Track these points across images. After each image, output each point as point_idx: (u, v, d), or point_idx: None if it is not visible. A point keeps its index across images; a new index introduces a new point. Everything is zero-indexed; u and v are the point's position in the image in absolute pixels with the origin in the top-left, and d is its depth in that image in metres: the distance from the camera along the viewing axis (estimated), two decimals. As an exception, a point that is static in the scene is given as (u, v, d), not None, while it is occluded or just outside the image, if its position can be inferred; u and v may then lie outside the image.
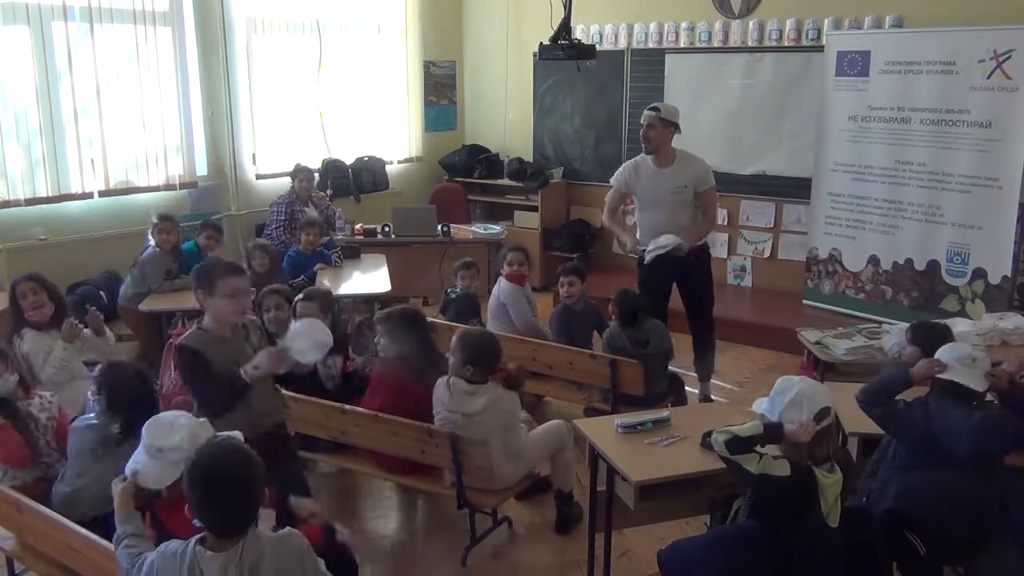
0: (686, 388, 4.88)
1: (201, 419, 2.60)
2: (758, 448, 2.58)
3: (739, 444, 2.57)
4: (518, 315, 4.89)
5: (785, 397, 2.65)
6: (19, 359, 3.98)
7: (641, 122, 4.70)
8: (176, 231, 5.43)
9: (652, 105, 4.75)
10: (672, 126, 4.70)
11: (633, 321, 4.43)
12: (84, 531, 2.66)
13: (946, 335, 3.54)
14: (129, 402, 3.00)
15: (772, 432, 2.60)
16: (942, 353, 3.02)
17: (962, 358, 2.96)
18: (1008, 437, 2.89)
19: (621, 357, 4.27)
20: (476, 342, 3.62)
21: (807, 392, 2.64)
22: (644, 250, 4.78)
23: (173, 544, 2.13)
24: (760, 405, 2.80)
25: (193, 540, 2.09)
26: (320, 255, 5.89)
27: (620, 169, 4.93)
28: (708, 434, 3.06)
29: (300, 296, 4.31)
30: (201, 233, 5.71)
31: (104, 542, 2.57)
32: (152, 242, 5.39)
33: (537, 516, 3.96)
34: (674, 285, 4.92)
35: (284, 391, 3.93)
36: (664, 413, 3.36)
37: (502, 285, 4.98)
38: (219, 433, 2.46)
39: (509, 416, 3.61)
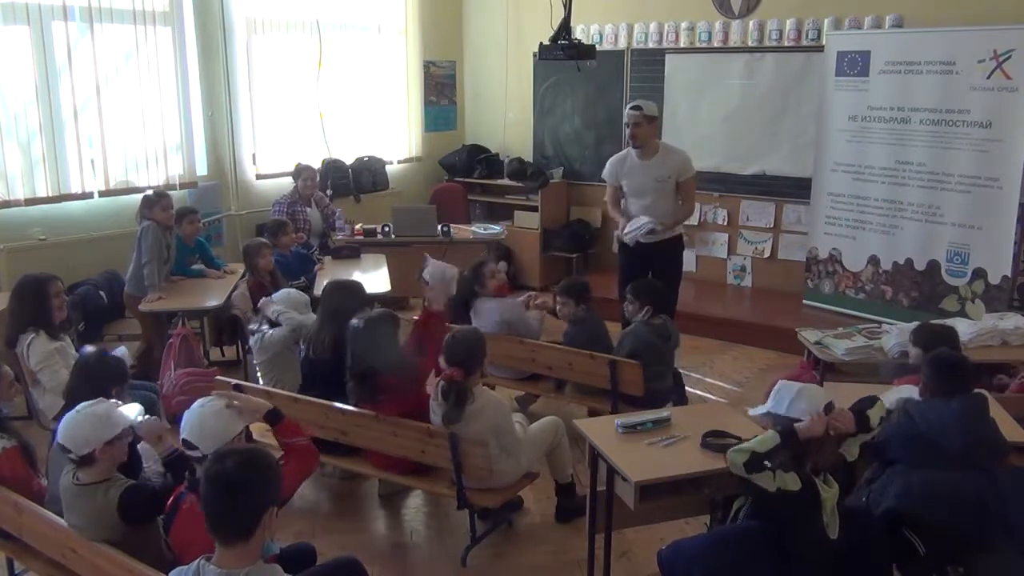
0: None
1: None
2: (767, 463, 2.60)
3: (757, 461, 2.59)
4: (529, 331, 4.72)
5: (791, 392, 2.82)
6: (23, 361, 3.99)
7: (626, 121, 5.07)
8: (172, 209, 5.31)
9: (634, 104, 5.06)
10: (655, 120, 5.10)
11: (667, 310, 4.40)
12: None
13: (947, 336, 3.57)
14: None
15: (787, 437, 2.63)
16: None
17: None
18: (988, 417, 2.94)
19: (648, 355, 4.21)
20: (457, 344, 3.53)
21: (809, 389, 2.85)
22: (626, 233, 5.10)
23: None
24: (759, 410, 2.89)
25: (203, 556, 2.10)
26: (299, 256, 5.84)
27: (608, 164, 5.27)
28: (708, 434, 3.08)
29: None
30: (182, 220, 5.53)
31: (101, 544, 2.57)
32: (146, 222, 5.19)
33: (537, 516, 3.96)
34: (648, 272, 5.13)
35: (281, 391, 3.96)
36: (664, 413, 3.35)
37: (499, 304, 4.70)
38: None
39: (499, 421, 3.55)
